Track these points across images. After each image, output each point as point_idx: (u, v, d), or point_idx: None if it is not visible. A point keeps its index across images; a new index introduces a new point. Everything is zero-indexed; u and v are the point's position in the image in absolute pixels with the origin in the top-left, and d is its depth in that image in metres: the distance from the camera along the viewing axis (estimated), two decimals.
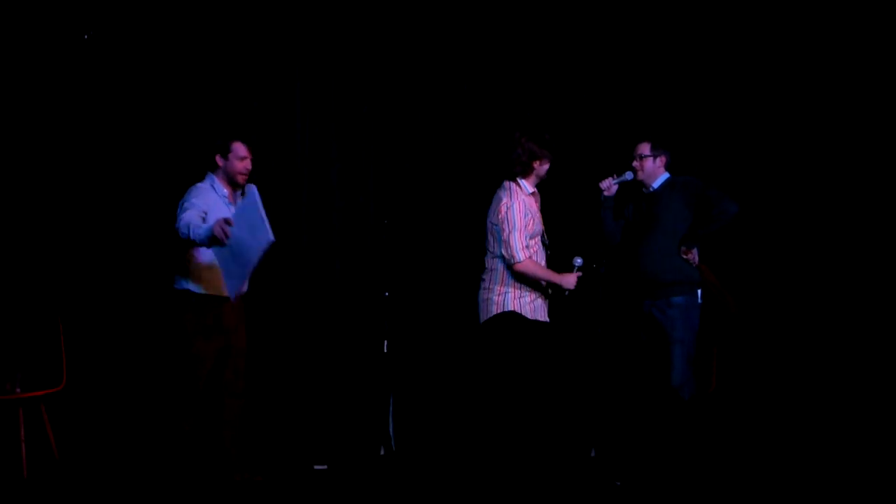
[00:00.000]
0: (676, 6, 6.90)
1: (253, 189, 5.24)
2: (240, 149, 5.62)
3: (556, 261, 6.38)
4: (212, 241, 5.28)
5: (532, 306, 5.83)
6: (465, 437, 6.59)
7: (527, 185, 5.83)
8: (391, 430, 6.50)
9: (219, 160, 5.63)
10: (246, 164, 5.63)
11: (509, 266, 5.76)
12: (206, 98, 6.74)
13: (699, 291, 5.99)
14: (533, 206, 5.88)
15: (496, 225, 5.77)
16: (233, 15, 6.76)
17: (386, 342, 6.53)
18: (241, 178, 5.63)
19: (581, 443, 6.38)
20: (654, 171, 6.05)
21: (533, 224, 5.84)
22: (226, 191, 5.64)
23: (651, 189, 6.06)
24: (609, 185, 6.10)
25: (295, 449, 6.52)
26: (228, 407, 5.73)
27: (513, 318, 5.71)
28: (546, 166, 5.85)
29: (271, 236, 5.11)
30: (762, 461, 6.17)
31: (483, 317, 5.84)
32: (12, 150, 6.56)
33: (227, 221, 5.20)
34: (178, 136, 6.72)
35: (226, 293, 5.50)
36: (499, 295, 5.77)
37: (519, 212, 5.74)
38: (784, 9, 6.80)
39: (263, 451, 6.27)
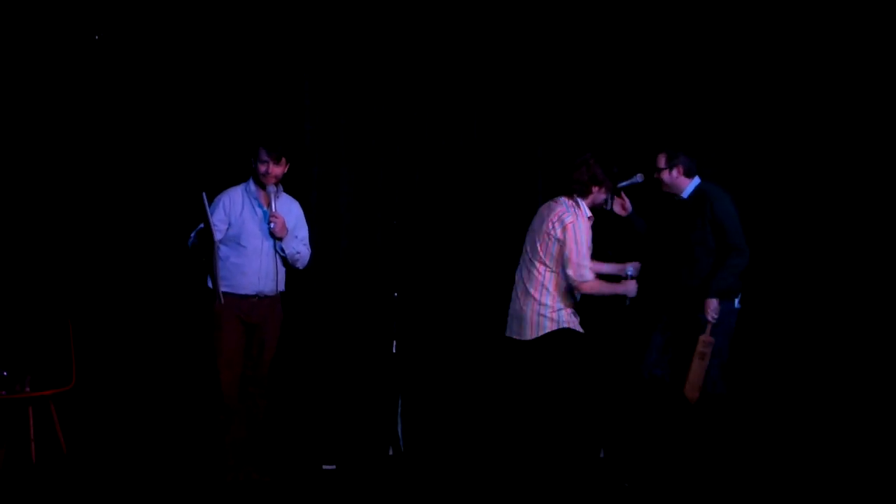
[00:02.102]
0: (684, 12, 6.90)
1: (202, 194, 5.65)
2: (260, 153, 5.80)
3: None
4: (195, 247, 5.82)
5: (578, 321, 5.79)
6: (474, 438, 6.60)
7: (585, 208, 5.75)
8: (399, 430, 6.50)
9: (253, 163, 5.83)
10: (265, 168, 5.80)
11: (571, 283, 5.65)
12: (213, 98, 6.77)
13: (737, 299, 5.96)
14: (590, 230, 5.80)
15: (559, 240, 5.64)
16: (245, 16, 6.78)
17: (395, 343, 6.54)
18: (264, 180, 5.82)
19: (590, 444, 6.37)
20: (676, 181, 6.00)
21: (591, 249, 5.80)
22: (258, 193, 5.86)
23: (681, 198, 6.02)
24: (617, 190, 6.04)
25: (303, 449, 6.53)
26: (249, 404, 5.81)
27: (572, 335, 5.68)
28: (603, 196, 5.77)
29: (212, 239, 5.64)
30: (770, 462, 6.15)
31: (531, 332, 5.68)
32: (23, 152, 6.60)
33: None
34: (186, 137, 6.75)
35: (243, 291, 5.75)
36: (553, 311, 5.65)
37: (586, 231, 5.67)
38: (790, 11, 6.80)
39: (272, 452, 6.27)
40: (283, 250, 5.84)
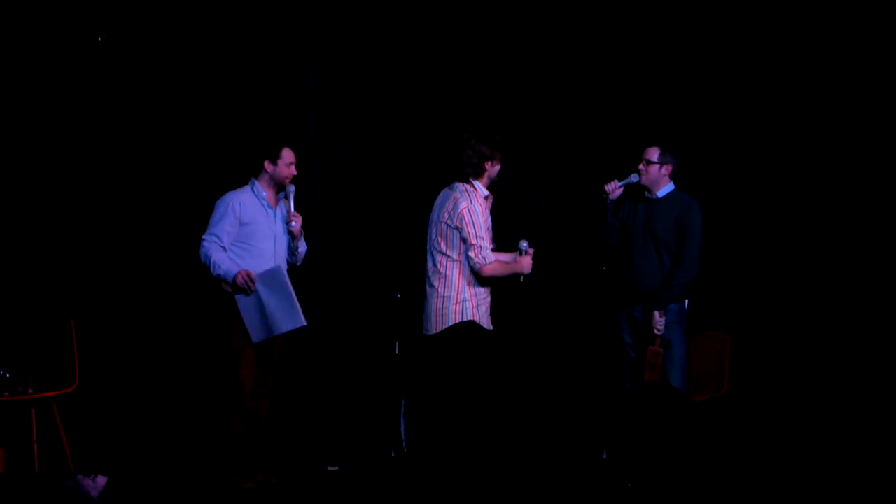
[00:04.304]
0: (690, 12, 6.91)
1: (279, 269, 5.62)
2: (288, 155, 5.76)
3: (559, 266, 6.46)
4: (234, 286, 5.62)
5: (486, 315, 5.75)
6: (476, 440, 6.61)
7: (481, 188, 5.74)
8: (402, 431, 6.50)
9: (267, 166, 5.75)
10: (292, 170, 5.77)
11: (474, 270, 5.63)
12: (216, 97, 6.75)
13: (686, 301, 6.04)
14: (486, 209, 5.79)
15: (457, 228, 5.63)
16: (247, 15, 6.76)
17: (397, 344, 6.53)
18: (284, 181, 5.78)
19: (592, 445, 6.39)
20: (659, 179, 6.04)
21: (490, 230, 5.79)
22: (265, 193, 5.77)
23: (656, 196, 6.05)
24: (614, 189, 6.08)
25: (307, 450, 6.52)
26: (259, 405, 5.80)
27: (474, 328, 5.64)
28: (497, 167, 5.74)
29: (302, 321, 5.58)
30: (772, 464, 6.17)
31: (437, 326, 5.66)
32: (26, 151, 6.57)
33: (249, 276, 5.57)
34: (189, 135, 6.73)
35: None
36: (457, 303, 5.62)
37: (482, 214, 5.65)
38: (793, 16, 6.82)
39: (276, 452, 6.27)
40: (297, 249, 5.83)
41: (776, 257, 6.83)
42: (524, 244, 5.70)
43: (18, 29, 6.51)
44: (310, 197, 6.69)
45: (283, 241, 5.80)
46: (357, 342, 6.81)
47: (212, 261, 5.63)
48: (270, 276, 5.61)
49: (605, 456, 6.26)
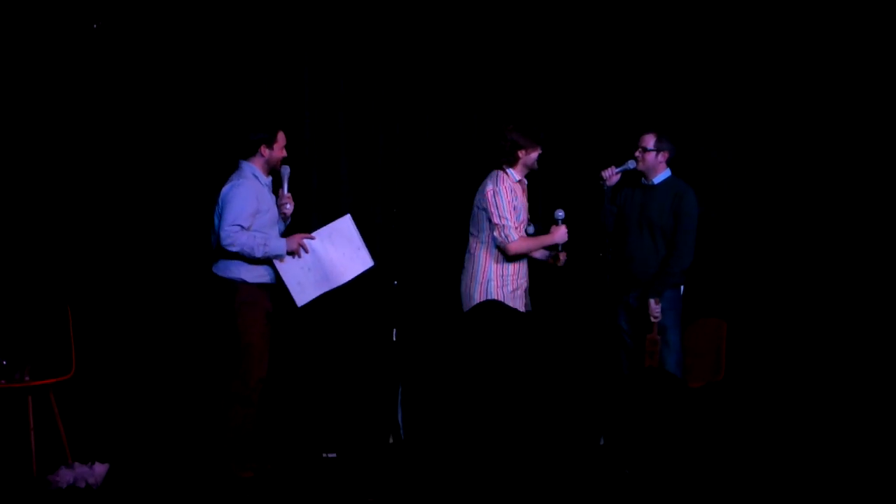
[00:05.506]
0: (679, 10, 6.92)
1: (348, 218, 5.74)
2: (282, 137, 5.73)
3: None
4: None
5: (513, 296, 5.88)
6: (472, 427, 6.61)
7: (514, 173, 5.93)
8: (400, 418, 6.51)
9: (264, 150, 5.69)
10: (284, 153, 5.75)
11: (501, 249, 5.83)
12: (212, 87, 6.72)
13: (682, 287, 6.05)
14: (520, 193, 5.95)
15: (484, 210, 5.86)
16: (245, 5, 6.74)
17: (395, 331, 6.54)
18: (277, 165, 5.75)
19: (590, 431, 6.40)
20: (656, 166, 6.06)
21: (520, 210, 5.92)
22: (267, 179, 5.72)
23: (652, 183, 6.06)
24: (610, 175, 6.11)
25: (304, 437, 6.52)
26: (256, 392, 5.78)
27: (495, 306, 5.75)
28: (534, 155, 5.93)
29: (371, 261, 5.75)
30: (769, 450, 6.18)
31: (465, 305, 5.92)
32: (20, 140, 6.55)
33: (306, 236, 5.63)
34: (184, 123, 6.71)
35: (270, 279, 5.69)
36: (481, 283, 5.85)
37: (506, 195, 5.84)
38: (793, 10, 6.82)
39: (273, 440, 6.27)
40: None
41: (772, 245, 6.83)
42: (560, 213, 5.89)
43: (12, 16, 6.48)
44: (306, 187, 6.67)
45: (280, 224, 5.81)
46: (354, 329, 6.80)
47: (253, 245, 5.53)
48: (335, 228, 5.71)
49: (602, 442, 6.27)
